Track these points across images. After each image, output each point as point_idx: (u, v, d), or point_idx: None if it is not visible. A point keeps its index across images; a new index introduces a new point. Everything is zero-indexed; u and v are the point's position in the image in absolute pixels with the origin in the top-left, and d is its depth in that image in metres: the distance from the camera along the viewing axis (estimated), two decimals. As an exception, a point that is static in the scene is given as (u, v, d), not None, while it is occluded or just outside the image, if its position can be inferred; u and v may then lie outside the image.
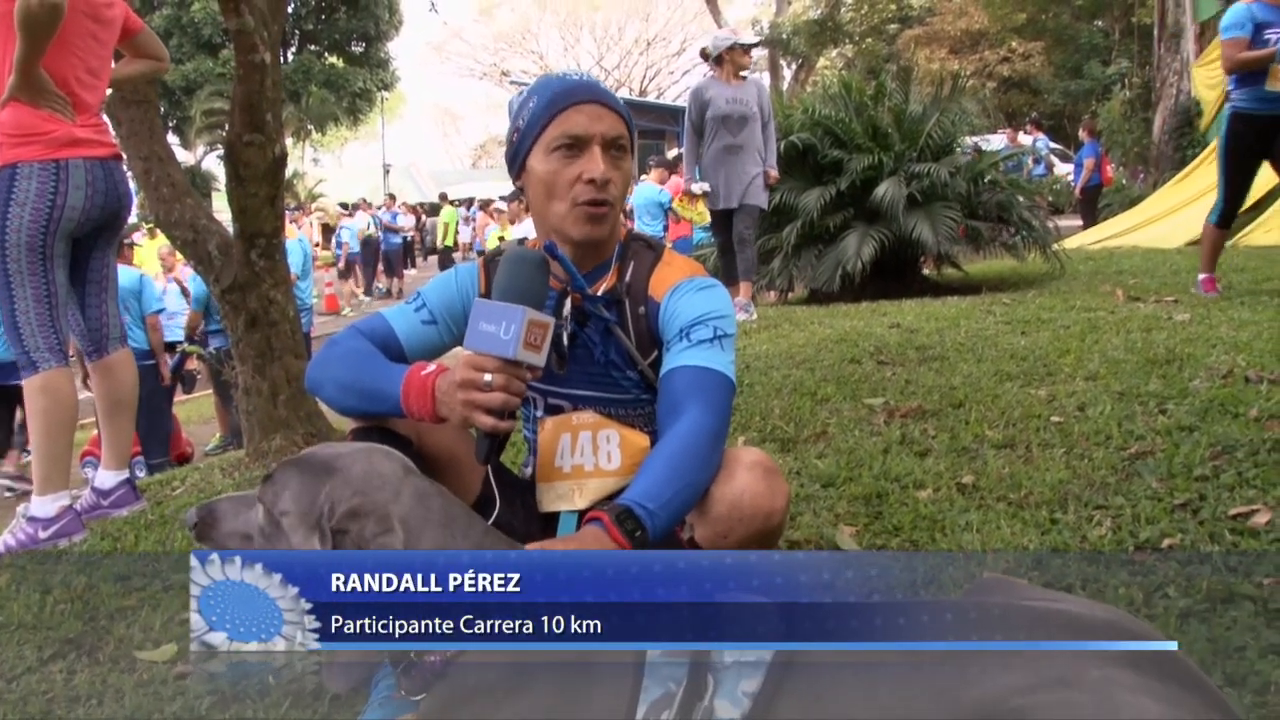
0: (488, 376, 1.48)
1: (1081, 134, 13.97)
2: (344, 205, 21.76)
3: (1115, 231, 10.76)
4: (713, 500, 1.56)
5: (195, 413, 9.93)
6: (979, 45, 26.49)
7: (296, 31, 30.22)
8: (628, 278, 1.75)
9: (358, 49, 31.62)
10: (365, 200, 21.88)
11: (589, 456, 1.71)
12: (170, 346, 7.84)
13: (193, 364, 8.49)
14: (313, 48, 31.28)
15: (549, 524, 1.71)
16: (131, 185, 3.39)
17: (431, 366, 1.60)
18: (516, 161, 1.76)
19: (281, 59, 3.52)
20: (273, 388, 3.53)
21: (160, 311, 7.50)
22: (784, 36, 28.95)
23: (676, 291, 1.71)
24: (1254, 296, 5.15)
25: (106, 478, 3.37)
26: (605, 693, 1.21)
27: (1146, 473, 2.51)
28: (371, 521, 1.37)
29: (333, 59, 31.51)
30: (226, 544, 1.47)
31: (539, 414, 1.81)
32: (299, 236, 8.92)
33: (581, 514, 1.66)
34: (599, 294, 1.74)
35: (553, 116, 1.68)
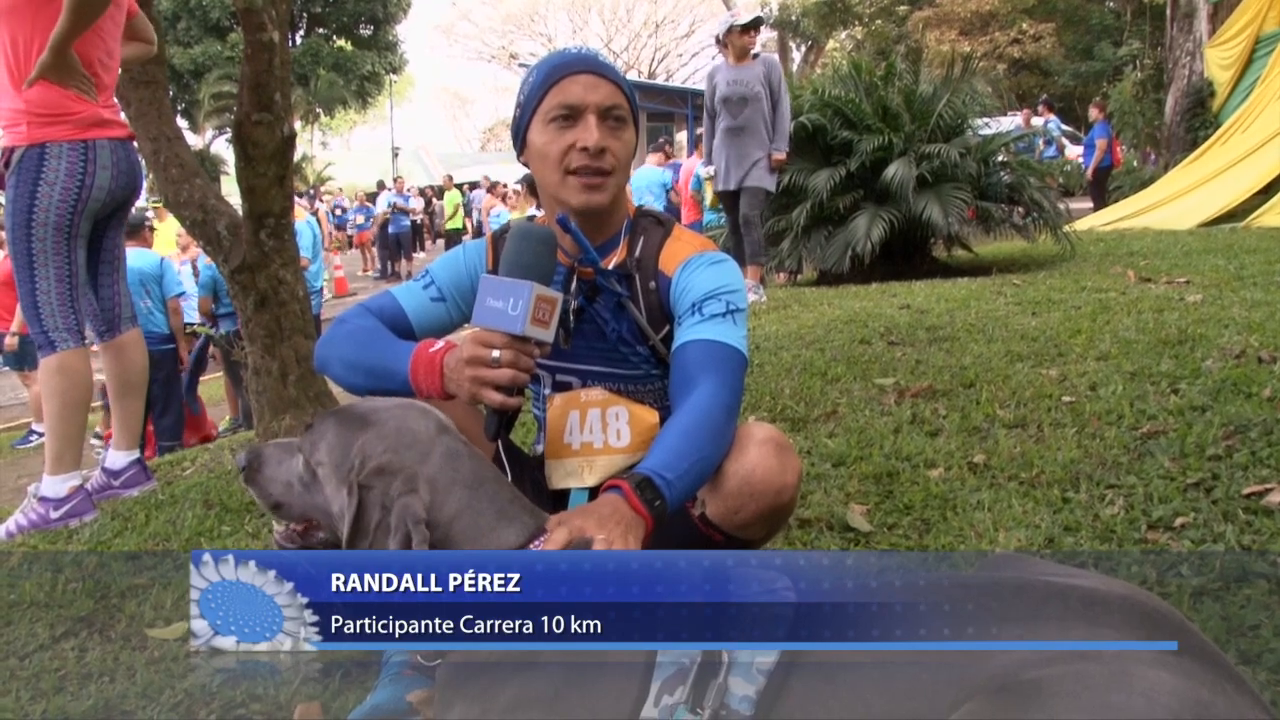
0: (495, 353, 1.46)
1: (1092, 114, 13.85)
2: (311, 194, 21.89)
3: (1126, 213, 10.69)
4: (725, 475, 1.55)
5: (205, 395, 9.93)
6: (989, 26, 26.33)
7: (304, 14, 30.18)
8: (637, 252, 1.74)
9: (366, 32, 31.57)
10: (381, 183, 21.94)
11: (598, 434, 1.70)
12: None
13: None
14: (321, 30, 31.25)
15: (559, 501, 1.70)
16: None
17: (439, 343, 1.58)
18: (519, 137, 1.75)
19: (290, 42, 3.50)
20: (282, 368, 3.52)
21: (181, 295, 7.48)
22: (793, 18, 28.82)
23: (688, 266, 1.70)
24: (1266, 277, 5.12)
25: (117, 458, 3.38)
26: (620, 667, 1.20)
27: (1159, 452, 2.50)
28: (399, 480, 1.36)
29: (341, 42, 31.46)
30: (270, 488, 1.49)
31: (547, 391, 1.80)
32: (308, 219, 8.87)
33: (592, 491, 1.66)
34: (608, 268, 1.73)
35: (549, 88, 1.67)
